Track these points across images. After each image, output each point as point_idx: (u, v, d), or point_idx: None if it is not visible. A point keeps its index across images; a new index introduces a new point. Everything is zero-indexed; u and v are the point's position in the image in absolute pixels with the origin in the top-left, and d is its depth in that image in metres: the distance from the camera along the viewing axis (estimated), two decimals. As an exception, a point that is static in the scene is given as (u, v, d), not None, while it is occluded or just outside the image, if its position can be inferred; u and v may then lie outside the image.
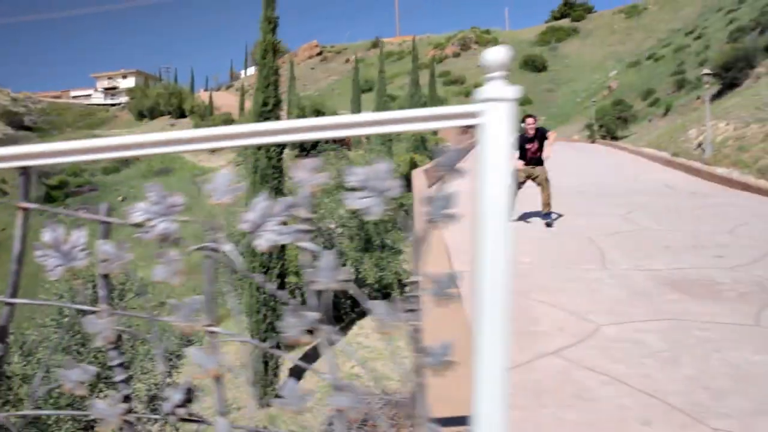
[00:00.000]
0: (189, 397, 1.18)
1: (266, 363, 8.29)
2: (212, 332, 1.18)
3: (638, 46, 62.61)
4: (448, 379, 1.37)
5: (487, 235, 1.07)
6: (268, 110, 7.58)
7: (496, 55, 1.01)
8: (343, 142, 39.21)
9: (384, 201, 1.06)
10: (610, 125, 31.69)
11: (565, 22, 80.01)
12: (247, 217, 1.12)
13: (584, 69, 60.78)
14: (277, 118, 7.72)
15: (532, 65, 60.80)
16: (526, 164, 8.50)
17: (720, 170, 14.68)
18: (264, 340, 8.32)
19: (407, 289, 1.10)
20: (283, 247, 8.98)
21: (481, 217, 1.07)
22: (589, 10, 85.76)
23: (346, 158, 10.94)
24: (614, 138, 30.75)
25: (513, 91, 1.01)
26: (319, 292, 1.10)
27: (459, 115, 1.05)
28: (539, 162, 8.54)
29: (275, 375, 8.51)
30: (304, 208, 1.09)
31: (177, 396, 1.18)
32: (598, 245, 6.85)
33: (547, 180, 8.50)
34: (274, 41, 7.83)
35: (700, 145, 17.80)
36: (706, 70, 17.27)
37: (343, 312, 9.84)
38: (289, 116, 42.02)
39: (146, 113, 68.40)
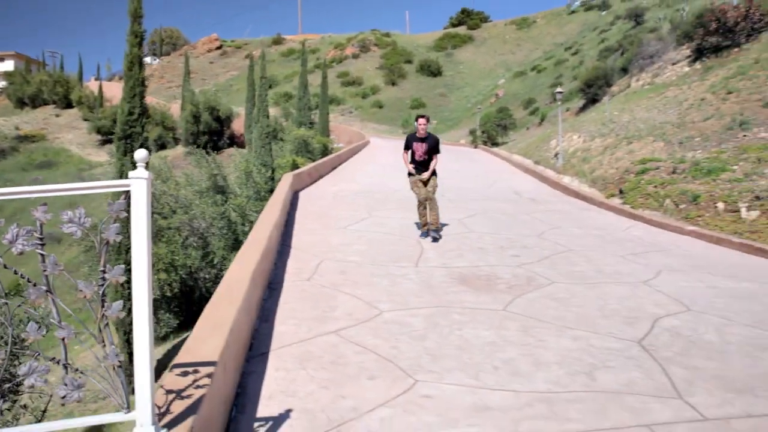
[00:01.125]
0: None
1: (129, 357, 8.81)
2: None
3: (526, 57, 66.55)
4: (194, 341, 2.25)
5: (136, 258, 1.94)
6: (133, 119, 8.15)
7: (141, 154, 1.91)
8: (238, 143, 39.24)
9: (82, 230, 1.93)
10: (492, 132, 33.96)
11: (461, 29, 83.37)
12: (6, 236, 1.95)
13: (476, 76, 63.91)
14: (143, 126, 8.29)
15: (428, 70, 63.17)
16: (415, 165, 8.57)
17: (566, 179, 16.58)
18: (127, 333, 8.87)
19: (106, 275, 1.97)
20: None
21: (134, 245, 1.94)
22: (485, 19, 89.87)
23: (215, 160, 11.57)
24: (494, 144, 33.02)
25: (148, 174, 1.91)
26: (47, 277, 1.95)
27: (117, 185, 1.93)
28: (426, 166, 8.54)
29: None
30: (36, 232, 1.94)
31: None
32: (422, 246, 8.01)
33: (434, 199, 8.46)
34: (140, 54, 8.42)
35: (556, 155, 19.84)
36: (559, 89, 19.27)
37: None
38: (183, 112, 41.39)
39: (27, 101, 64.41)
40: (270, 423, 3.07)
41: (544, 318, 5.07)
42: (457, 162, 23.76)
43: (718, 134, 14.95)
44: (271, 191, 13.77)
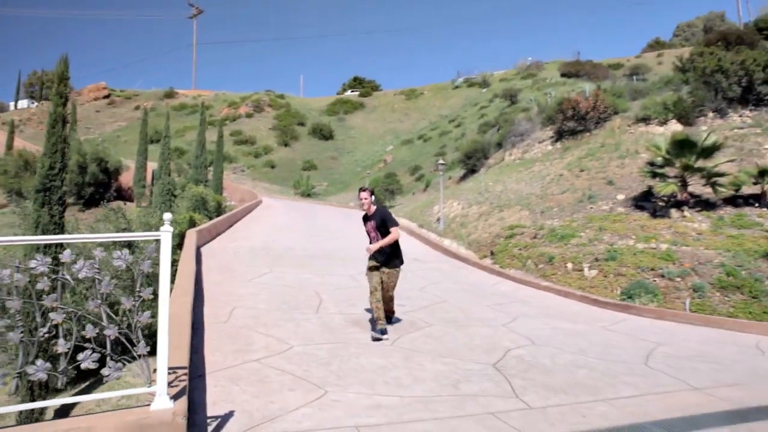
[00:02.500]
0: None
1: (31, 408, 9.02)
2: None
3: (413, 126, 70.59)
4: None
5: (162, 282, 3.00)
6: (54, 173, 8.76)
7: (168, 216, 2.99)
8: (125, 196, 38.48)
9: (126, 263, 2.96)
10: (380, 196, 35.96)
11: (353, 96, 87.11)
12: (76, 266, 2.93)
13: (366, 141, 66.90)
14: (63, 180, 8.90)
15: (320, 133, 65.35)
16: (372, 256, 7.07)
17: (446, 241, 18.40)
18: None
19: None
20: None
21: (161, 275, 2.99)
22: (376, 88, 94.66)
23: (124, 216, 12.04)
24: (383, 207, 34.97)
25: (172, 228, 2.99)
26: (102, 294, 2.93)
27: (151, 235, 2.99)
28: (383, 255, 7.03)
29: (42, 413, 9.25)
30: (95, 264, 2.94)
31: None
32: (320, 297, 9.14)
33: (391, 290, 7.19)
34: (64, 114, 9.11)
35: (438, 219, 21.79)
36: (441, 161, 21.44)
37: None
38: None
39: None
40: (219, 419, 4.05)
41: (422, 350, 6.36)
42: (347, 224, 25.15)
43: (571, 206, 17.50)
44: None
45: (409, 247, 18.19)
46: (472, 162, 32.57)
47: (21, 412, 6.93)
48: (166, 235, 2.97)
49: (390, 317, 7.55)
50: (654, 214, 15.46)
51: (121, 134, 68.84)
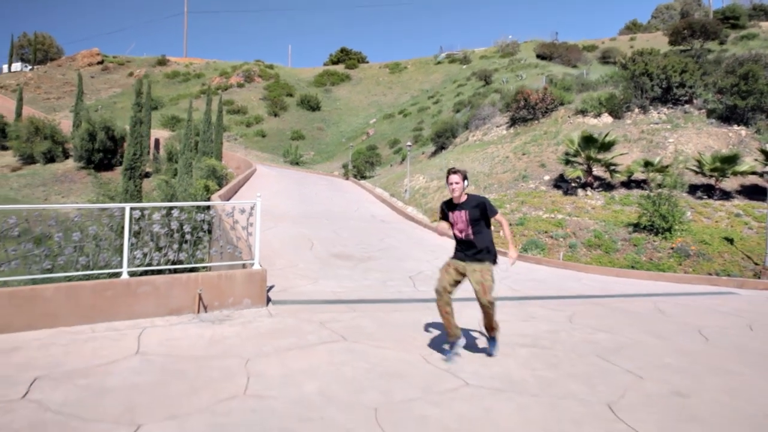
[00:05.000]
0: None
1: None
2: None
3: (396, 99, 74.50)
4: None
5: (256, 223, 7.59)
6: (137, 158, 13.24)
7: (258, 195, 7.56)
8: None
9: (217, 218, 7.58)
10: (361, 166, 40.48)
11: (340, 68, 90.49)
12: (229, 206, 7.53)
13: (351, 113, 70.93)
14: (142, 162, 13.31)
15: (308, 104, 69.21)
16: (456, 245, 5.63)
17: (409, 209, 23.09)
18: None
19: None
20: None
21: (256, 220, 7.57)
22: (362, 60, 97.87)
23: (172, 186, 16.26)
24: (363, 177, 39.47)
25: (260, 199, 7.55)
26: (213, 223, 7.52)
27: (250, 201, 7.57)
28: (473, 250, 5.45)
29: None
30: (230, 212, 7.52)
31: None
32: (312, 242, 13.80)
33: (487, 292, 5.29)
34: (141, 118, 13.50)
35: (405, 191, 26.42)
36: (409, 142, 25.95)
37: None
38: (76, 130, 43.85)
39: None
40: (267, 287, 8.69)
41: (372, 269, 11.06)
42: (331, 191, 29.76)
43: (508, 183, 22.22)
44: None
45: (380, 211, 22.88)
46: (441, 140, 37.07)
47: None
48: (258, 201, 7.53)
49: (491, 335, 5.68)
50: (566, 193, 20.27)
51: (117, 101, 71.96)
